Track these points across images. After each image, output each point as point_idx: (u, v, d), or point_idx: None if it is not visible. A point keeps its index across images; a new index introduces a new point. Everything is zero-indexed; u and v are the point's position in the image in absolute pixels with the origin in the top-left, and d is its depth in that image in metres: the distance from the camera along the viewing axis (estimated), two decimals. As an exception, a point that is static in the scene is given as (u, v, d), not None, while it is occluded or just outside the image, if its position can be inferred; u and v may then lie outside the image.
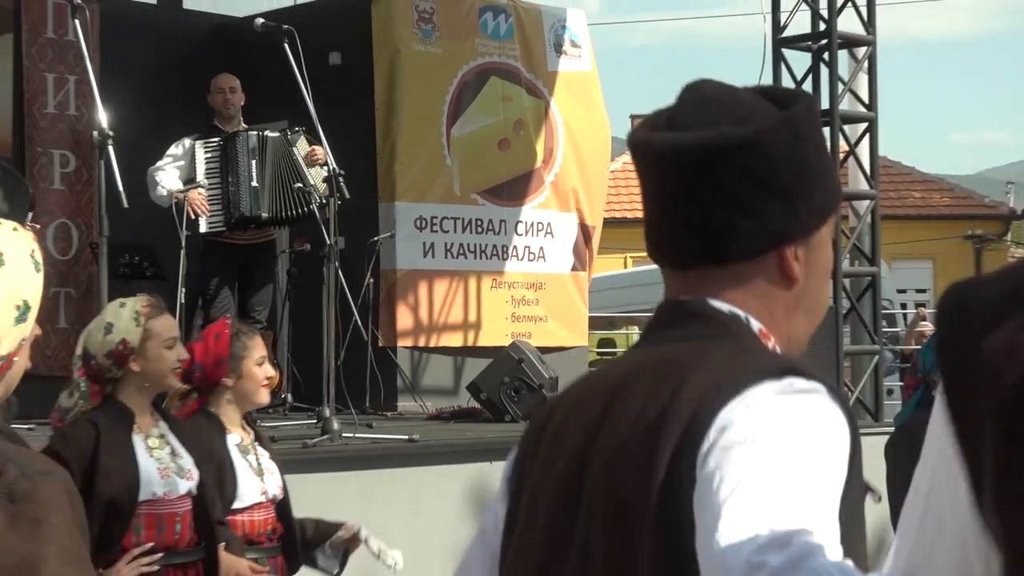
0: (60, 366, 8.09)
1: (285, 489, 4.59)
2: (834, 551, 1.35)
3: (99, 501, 3.90)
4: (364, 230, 9.23)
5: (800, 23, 9.85)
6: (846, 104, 10.01)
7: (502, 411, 8.52)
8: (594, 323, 13.35)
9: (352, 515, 4.96)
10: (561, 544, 1.59)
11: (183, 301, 7.92)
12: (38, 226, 7.38)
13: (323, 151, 7.86)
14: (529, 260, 10.51)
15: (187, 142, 8.63)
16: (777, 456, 1.42)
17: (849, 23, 9.86)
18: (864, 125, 10.02)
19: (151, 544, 4.00)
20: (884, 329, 11.37)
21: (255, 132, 8.70)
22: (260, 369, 4.56)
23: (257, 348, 4.59)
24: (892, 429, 8.70)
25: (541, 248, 10.58)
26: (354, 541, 4.67)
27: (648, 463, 1.50)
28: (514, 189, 10.41)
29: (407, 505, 6.85)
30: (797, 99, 1.66)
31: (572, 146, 10.73)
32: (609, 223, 13.08)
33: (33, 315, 1.99)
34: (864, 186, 10.06)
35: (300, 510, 4.68)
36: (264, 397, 4.65)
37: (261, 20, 7.99)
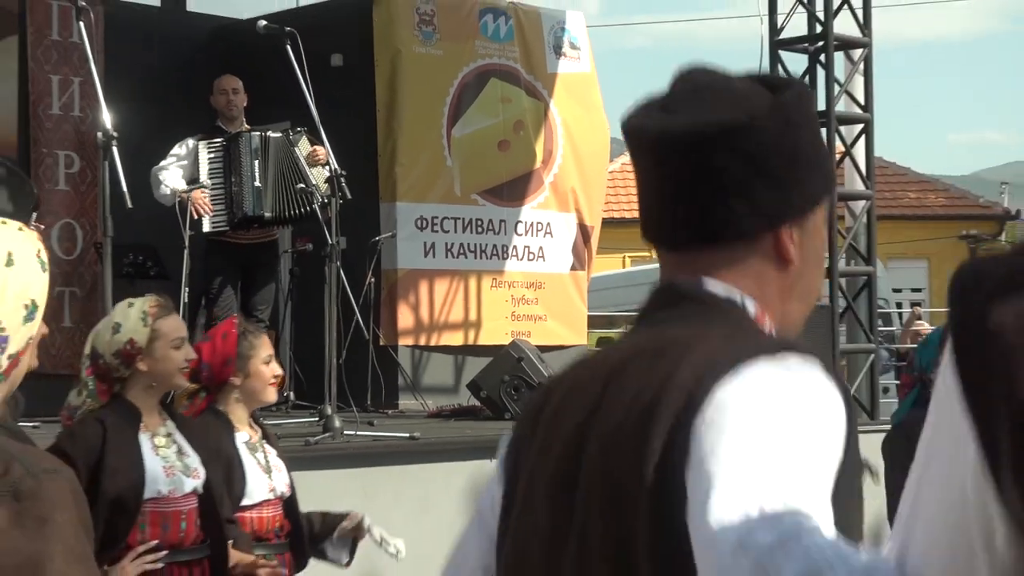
0: (65, 364, 8.16)
1: (292, 486, 4.61)
2: (827, 529, 1.32)
3: (105, 498, 3.91)
4: (365, 230, 9.23)
5: (797, 25, 9.89)
6: (842, 106, 10.06)
7: (502, 409, 8.51)
8: (593, 322, 13.33)
9: (354, 512, 5.00)
10: (559, 527, 1.58)
11: (186, 300, 7.94)
12: (43, 226, 7.44)
13: (325, 152, 7.88)
14: (529, 260, 10.53)
15: (191, 142, 8.64)
16: (771, 433, 1.40)
17: (845, 25, 9.90)
18: (860, 126, 10.07)
19: (156, 541, 4.02)
20: (880, 328, 11.42)
21: (258, 133, 8.70)
22: (267, 368, 4.59)
23: (264, 347, 4.62)
24: (888, 427, 8.75)
25: (541, 248, 10.60)
26: (359, 530, 4.70)
27: (643, 445, 1.48)
28: (514, 189, 10.43)
29: (409, 502, 6.84)
30: (790, 85, 1.66)
31: (571, 147, 10.74)
32: (608, 223, 13.07)
33: (40, 314, 2.01)
34: (860, 186, 10.08)
35: (303, 506, 4.70)
36: (272, 395, 4.68)
37: (263, 22, 8.00)
